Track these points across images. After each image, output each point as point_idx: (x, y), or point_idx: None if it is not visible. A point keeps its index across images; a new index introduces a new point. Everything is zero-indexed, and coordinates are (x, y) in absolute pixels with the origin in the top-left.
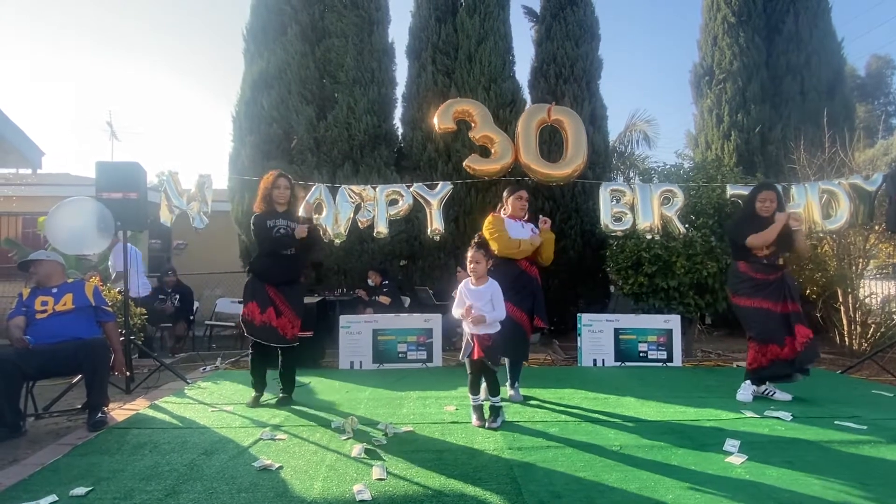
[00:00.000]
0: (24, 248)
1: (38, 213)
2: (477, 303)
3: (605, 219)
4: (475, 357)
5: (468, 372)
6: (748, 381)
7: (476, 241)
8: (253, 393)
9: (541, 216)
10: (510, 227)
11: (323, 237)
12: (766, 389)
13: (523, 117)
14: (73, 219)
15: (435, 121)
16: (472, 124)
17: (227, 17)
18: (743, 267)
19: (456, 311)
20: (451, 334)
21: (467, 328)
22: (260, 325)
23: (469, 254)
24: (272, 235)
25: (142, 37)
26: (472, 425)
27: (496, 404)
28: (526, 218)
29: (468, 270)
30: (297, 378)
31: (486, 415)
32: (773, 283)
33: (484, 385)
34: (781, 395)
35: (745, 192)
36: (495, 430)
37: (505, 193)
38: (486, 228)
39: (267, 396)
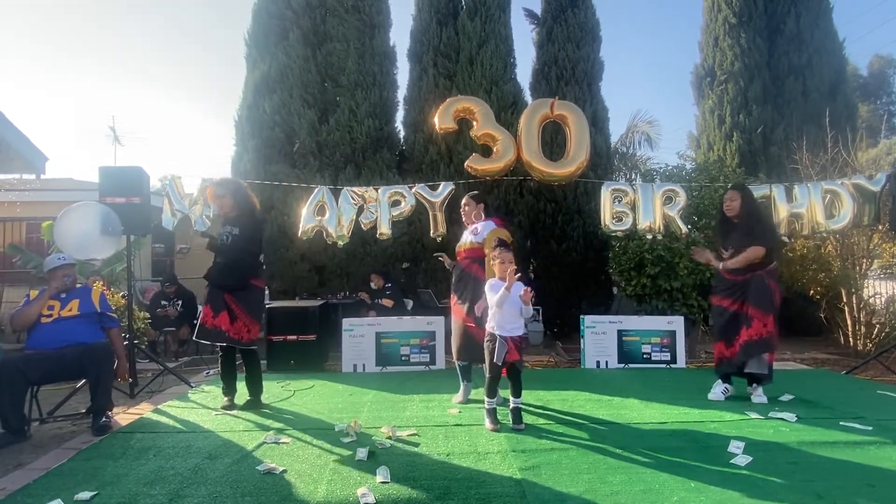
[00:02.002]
0: (28, 254)
1: (42, 219)
2: (510, 300)
3: (606, 219)
4: (512, 359)
5: (489, 375)
6: (718, 380)
7: (497, 242)
8: (225, 397)
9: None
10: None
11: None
12: (749, 390)
13: (526, 113)
14: (79, 223)
15: (436, 121)
16: (474, 122)
17: (229, 22)
18: (720, 270)
19: (495, 297)
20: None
21: (499, 331)
22: (210, 328)
23: (501, 255)
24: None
25: (143, 40)
26: (476, 427)
27: (518, 406)
28: (474, 221)
29: (500, 271)
30: (302, 381)
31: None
32: (740, 283)
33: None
34: (757, 398)
35: None
36: (521, 432)
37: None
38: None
39: (269, 399)
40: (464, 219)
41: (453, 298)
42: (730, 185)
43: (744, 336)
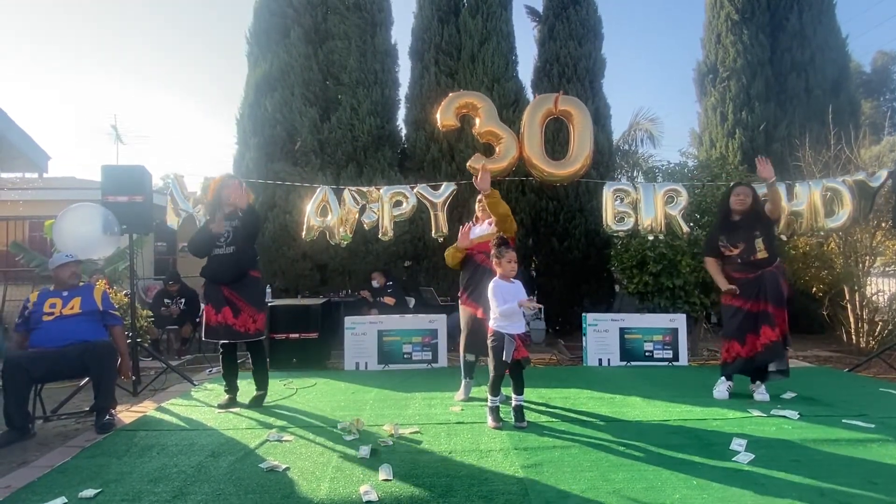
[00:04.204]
0: (31, 252)
1: (44, 217)
2: (516, 299)
3: (608, 219)
4: (519, 356)
5: (495, 373)
6: (723, 377)
7: (498, 241)
8: (226, 395)
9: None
10: (472, 233)
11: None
12: (752, 388)
13: (529, 108)
14: (80, 224)
15: (438, 117)
16: (477, 119)
17: (231, 20)
18: (724, 269)
19: (509, 307)
20: (456, 334)
21: (506, 329)
22: (216, 326)
23: (506, 254)
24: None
25: (145, 39)
26: (478, 425)
27: (521, 404)
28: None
29: (506, 270)
30: (304, 379)
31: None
32: (752, 281)
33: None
34: (760, 395)
35: None
36: (523, 429)
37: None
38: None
39: (272, 397)
40: (480, 214)
41: (464, 292)
42: (734, 182)
43: (770, 335)
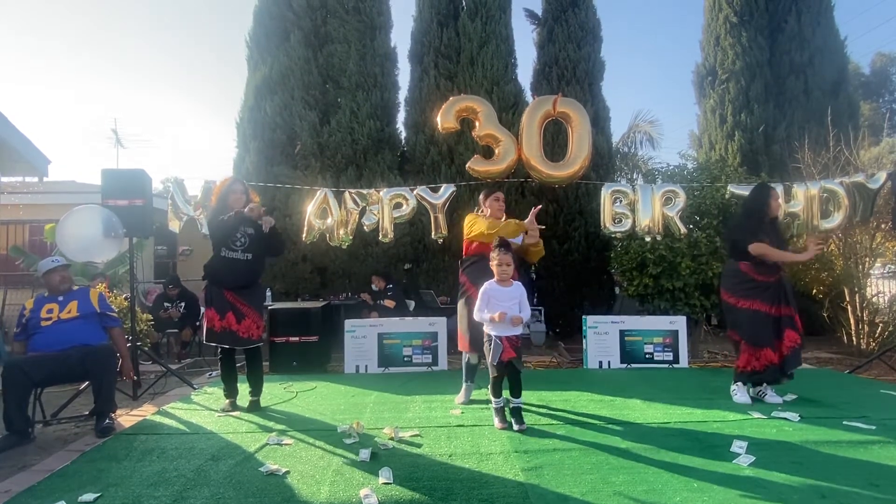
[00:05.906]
0: (31, 256)
1: (44, 221)
2: (507, 303)
3: (606, 220)
4: (506, 358)
5: (493, 375)
6: (740, 383)
7: (497, 243)
8: (226, 399)
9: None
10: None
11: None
12: (760, 391)
13: (528, 110)
14: (82, 227)
15: (438, 120)
16: (476, 123)
17: (230, 23)
18: (745, 267)
19: (483, 315)
20: (456, 337)
21: (493, 331)
22: (220, 331)
23: (498, 256)
24: (229, 233)
25: (145, 41)
26: (479, 428)
27: (519, 406)
28: (504, 219)
29: (497, 273)
30: (304, 382)
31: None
32: (772, 285)
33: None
34: (772, 398)
35: (746, 192)
36: (523, 432)
37: (481, 197)
38: (467, 225)
39: (272, 400)
40: (490, 212)
41: (472, 286)
42: (762, 185)
43: (795, 339)
